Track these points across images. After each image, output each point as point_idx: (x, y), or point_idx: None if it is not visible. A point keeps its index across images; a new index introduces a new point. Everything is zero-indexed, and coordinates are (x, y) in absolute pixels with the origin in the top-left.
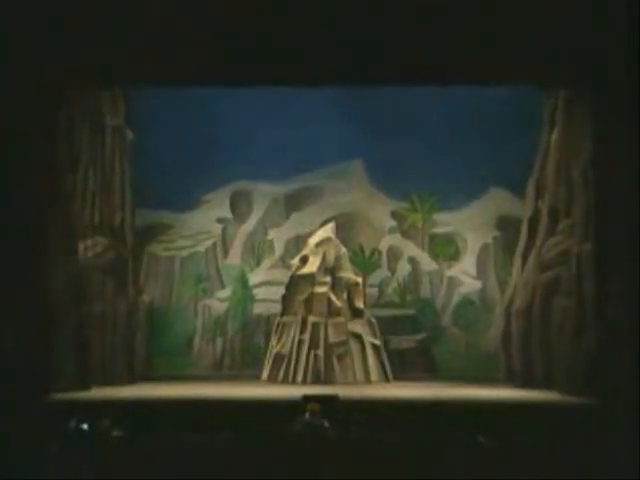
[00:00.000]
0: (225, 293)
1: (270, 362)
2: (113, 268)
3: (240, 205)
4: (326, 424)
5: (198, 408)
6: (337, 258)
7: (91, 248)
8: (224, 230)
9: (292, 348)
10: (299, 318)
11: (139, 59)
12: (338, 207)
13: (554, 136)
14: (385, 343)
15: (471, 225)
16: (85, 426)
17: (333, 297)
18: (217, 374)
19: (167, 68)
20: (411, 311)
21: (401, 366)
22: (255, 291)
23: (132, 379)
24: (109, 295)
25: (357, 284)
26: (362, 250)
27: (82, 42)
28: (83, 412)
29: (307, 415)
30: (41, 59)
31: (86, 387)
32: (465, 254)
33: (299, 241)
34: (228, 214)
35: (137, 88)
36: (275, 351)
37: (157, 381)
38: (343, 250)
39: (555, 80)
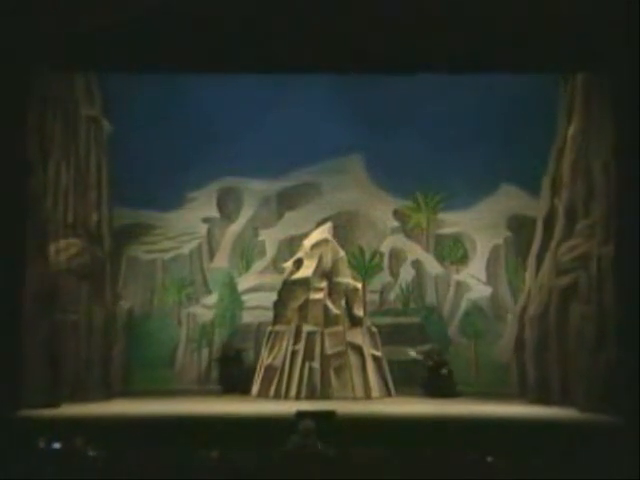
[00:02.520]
0: (211, 299)
1: (261, 375)
2: (88, 272)
3: (228, 203)
4: (321, 444)
5: (181, 426)
6: (334, 261)
7: (64, 250)
8: (210, 231)
9: (285, 360)
10: (293, 327)
11: (116, 41)
12: (336, 206)
13: (572, 128)
14: (387, 354)
15: (480, 225)
16: (56, 446)
17: (330, 304)
18: (203, 389)
19: (147, 51)
20: (415, 319)
21: (404, 379)
22: (244, 297)
23: (108, 394)
24: (84, 302)
25: (356, 290)
26: (362, 253)
27: (52, 23)
28: (54, 431)
29: (300, 434)
30: (6, 42)
31: (57, 403)
32: (474, 257)
33: (293, 243)
34: (215, 213)
35: (114, 74)
36: (266, 363)
37: (136, 397)
38: (341, 253)
39: (574, 65)
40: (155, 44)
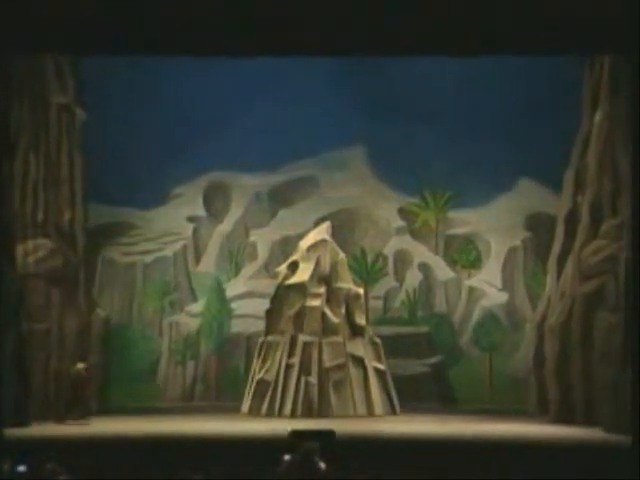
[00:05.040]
0: (197, 307)
1: (252, 391)
2: (60, 276)
3: (216, 201)
4: (321, 466)
5: (164, 448)
6: (333, 265)
7: (33, 252)
8: (196, 231)
9: (279, 374)
10: (287, 337)
11: (92, 22)
12: (335, 203)
13: (597, 117)
14: (391, 368)
15: (495, 225)
16: (22, 469)
17: (329, 312)
18: (187, 405)
19: (127, 31)
20: (423, 329)
21: (411, 395)
22: (234, 304)
23: (83, 412)
24: (55, 309)
25: (358, 296)
26: (364, 255)
27: (20, 5)
28: (21, 453)
29: (296, 455)
30: None
31: (26, 422)
32: (488, 260)
33: (287, 244)
34: (201, 211)
35: (88, 58)
36: (258, 377)
37: (114, 415)
38: (341, 255)
39: (600, 47)
40: (136, 23)
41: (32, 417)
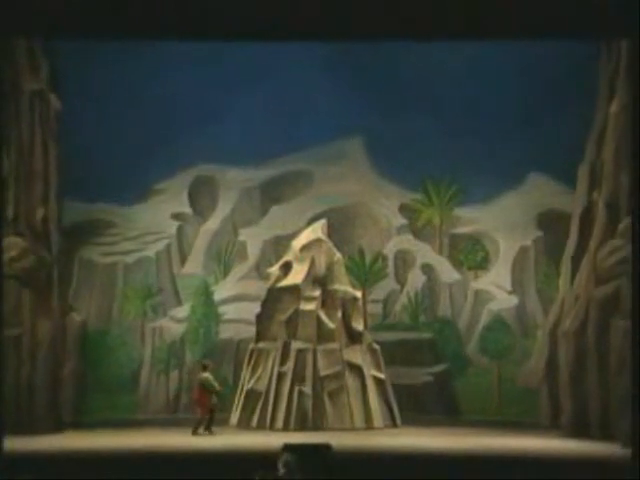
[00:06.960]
0: (182, 311)
1: (241, 402)
2: (33, 278)
3: (202, 197)
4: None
5: (145, 464)
6: (329, 266)
7: (4, 252)
8: (181, 229)
9: (270, 383)
10: (279, 344)
11: (66, 3)
12: (331, 199)
13: (613, 107)
14: (391, 377)
15: (504, 223)
16: None
17: (324, 316)
18: (171, 418)
19: (105, 12)
20: (426, 335)
21: (413, 407)
22: (222, 309)
23: (57, 425)
24: (27, 313)
25: (355, 299)
26: (362, 255)
27: None
28: None
29: (282, 469)
30: None
31: None
32: (496, 261)
33: (279, 244)
34: (187, 208)
35: (64, 41)
36: (248, 387)
37: (91, 428)
38: (337, 255)
39: (614, 31)
40: (117, 5)
41: (3, 431)
